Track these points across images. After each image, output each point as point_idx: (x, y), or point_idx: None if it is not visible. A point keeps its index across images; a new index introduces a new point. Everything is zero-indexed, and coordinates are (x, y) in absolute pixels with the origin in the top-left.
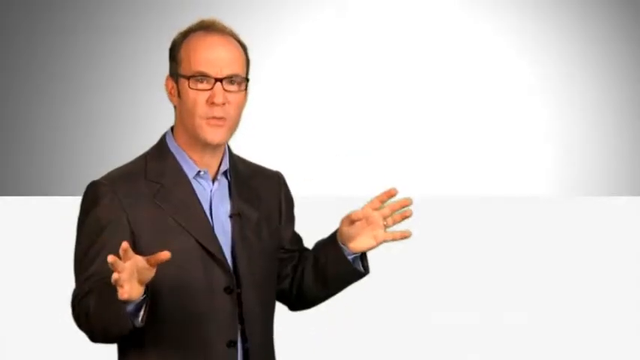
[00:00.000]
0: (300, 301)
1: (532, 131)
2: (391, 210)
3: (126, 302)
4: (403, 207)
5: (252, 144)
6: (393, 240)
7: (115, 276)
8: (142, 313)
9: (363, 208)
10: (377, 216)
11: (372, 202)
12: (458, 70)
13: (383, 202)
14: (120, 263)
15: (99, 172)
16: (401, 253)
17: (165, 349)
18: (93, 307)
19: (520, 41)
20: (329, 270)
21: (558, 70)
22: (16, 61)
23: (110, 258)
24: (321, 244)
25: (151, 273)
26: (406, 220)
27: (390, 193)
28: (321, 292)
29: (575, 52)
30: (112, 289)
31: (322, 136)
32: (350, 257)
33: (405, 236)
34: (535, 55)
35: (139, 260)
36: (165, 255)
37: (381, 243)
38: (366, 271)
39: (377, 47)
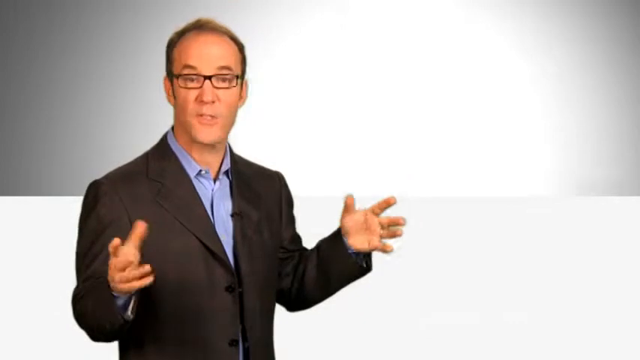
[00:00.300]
0: (298, 301)
1: (531, 132)
2: (387, 222)
3: (116, 297)
4: (396, 224)
5: (252, 144)
6: (380, 251)
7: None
8: (131, 305)
9: (364, 209)
10: (375, 223)
11: (372, 208)
12: (458, 71)
13: (382, 209)
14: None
15: (99, 172)
16: (400, 253)
17: (167, 348)
18: (87, 306)
19: (520, 42)
20: (332, 265)
21: (558, 71)
22: (15, 61)
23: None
24: (324, 241)
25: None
26: (410, 216)
27: (389, 202)
28: (321, 290)
29: (576, 53)
30: (103, 285)
31: (322, 136)
32: (351, 252)
33: (385, 250)
34: (535, 56)
35: (129, 253)
36: (141, 226)
37: (373, 250)
38: (368, 268)
39: (377, 48)
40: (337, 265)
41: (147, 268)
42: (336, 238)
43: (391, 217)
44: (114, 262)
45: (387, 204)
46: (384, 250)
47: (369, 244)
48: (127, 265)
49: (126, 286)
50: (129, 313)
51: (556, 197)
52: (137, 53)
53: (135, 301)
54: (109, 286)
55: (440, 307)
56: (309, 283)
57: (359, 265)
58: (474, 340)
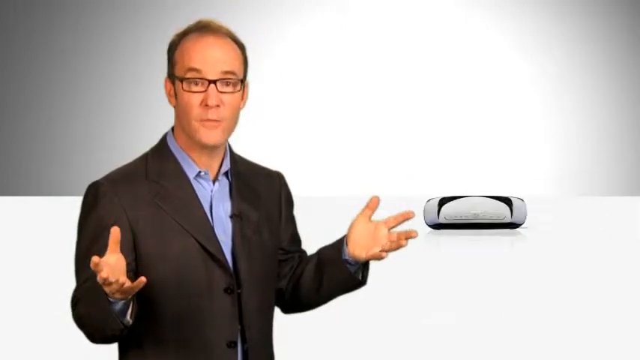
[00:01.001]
0: (292, 303)
1: (531, 132)
2: (398, 238)
3: (112, 303)
4: (408, 237)
5: (253, 144)
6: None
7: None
8: (129, 311)
9: (383, 220)
10: (383, 235)
11: (388, 220)
12: (458, 71)
13: (399, 223)
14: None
15: (99, 173)
16: (398, 253)
17: (166, 350)
18: (84, 309)
19: (520, 42)
20: (326, 269)
21: (558, 71)
22: (15, 61)
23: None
24: (327, 246)
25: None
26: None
27: (407, 217)
28: (315, 294)
29: (576, 53)
30: (99, 291)
31: (323, 136)
32: (346, 259)
33: (379, 258)
34: (535, 56)
35: (112, 264)
36: (115, 231)
37: (370, 258)
38: (363, 280)
39: (377, 48)
40: (331, 269)
41: (140, 280)
42: (338, 244)
43: (406, 231)
44: (100, 279)
45: (405, 218)
46: (379, 257)
47: (366, 252)
48: (116, 275)
49: (120, 295)
50: (127, 318)
51: (556, 197)
52: (137, 53)
53: (133, 307)
54: (105, 292)
55: (439, 307)
56: (303, 285)
57: (350, 273)
58: (472, 340)
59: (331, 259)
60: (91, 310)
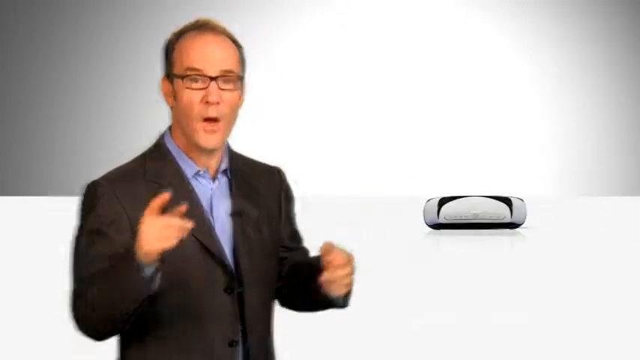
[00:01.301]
0: (288, 304)
1: (531, 132)
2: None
3: (143, 268)
4: (327, 254)
5: (253, 144)
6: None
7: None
8: (157, 277)
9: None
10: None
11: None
12: (458, 71)
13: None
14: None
15: (99, 172)
16: (398, 253)
17: (166, 349)
18: (99, 291)
19: (520, 42)
20: (309, 290)
21: (558, 71)
22: (15, 61)
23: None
24: (312, 264)
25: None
26: (411, 216)
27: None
28: (304, 307)
29: (576, 53)
30: (124, 263)
31: (323, 136)
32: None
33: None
34: (535, 56)
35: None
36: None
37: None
38: (344, 304)
39: (377, 48)
40: (312, 291)
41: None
42: (318, 266)
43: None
44: (159, 221)
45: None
46: (332, 291)
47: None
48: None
49: (160, 245)
50: (155, 284)
51: (556, 197)
52: (137, 53)
53: (158, 275)
54: (131, 260)
55: (439, 307)
56: (292, 296)
57: (331, 299)
58: (473, 340)
59: (311, 284)
60: (112, 286)
